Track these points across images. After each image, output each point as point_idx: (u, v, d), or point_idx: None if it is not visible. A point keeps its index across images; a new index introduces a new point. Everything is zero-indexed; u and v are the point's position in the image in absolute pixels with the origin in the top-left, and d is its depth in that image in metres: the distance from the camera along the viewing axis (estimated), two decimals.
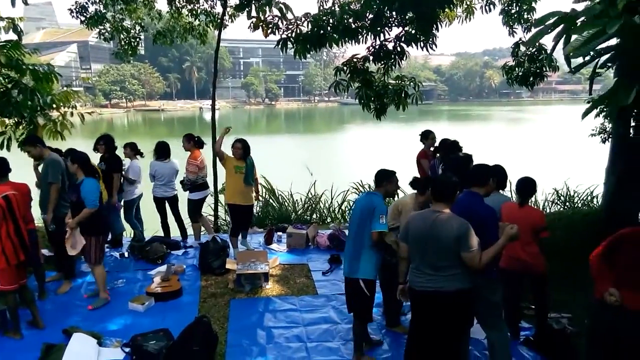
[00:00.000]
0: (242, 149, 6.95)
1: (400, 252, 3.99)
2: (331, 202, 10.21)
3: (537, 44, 7.39)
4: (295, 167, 15.83)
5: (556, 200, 10.36)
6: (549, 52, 7.03)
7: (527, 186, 4.75)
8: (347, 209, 10.20)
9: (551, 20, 2.35)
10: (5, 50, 7.07)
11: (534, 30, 7.62)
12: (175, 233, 8.12)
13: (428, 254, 3.63)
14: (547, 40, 7.13)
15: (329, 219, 9.95)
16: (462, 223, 3.52)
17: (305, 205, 10.00)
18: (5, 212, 4.58)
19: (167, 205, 7.80)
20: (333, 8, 6.54)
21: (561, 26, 2.36)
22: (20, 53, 7.18)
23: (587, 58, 2.69)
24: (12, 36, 8.22)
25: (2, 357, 4.52)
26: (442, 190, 3.71)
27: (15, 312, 4.82)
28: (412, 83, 6.90)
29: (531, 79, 7.61)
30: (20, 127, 7.38)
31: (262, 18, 6.61)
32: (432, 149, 7.52)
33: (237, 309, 5.56)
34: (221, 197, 9.33)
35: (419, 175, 6.74)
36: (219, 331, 4.84)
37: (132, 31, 10.36)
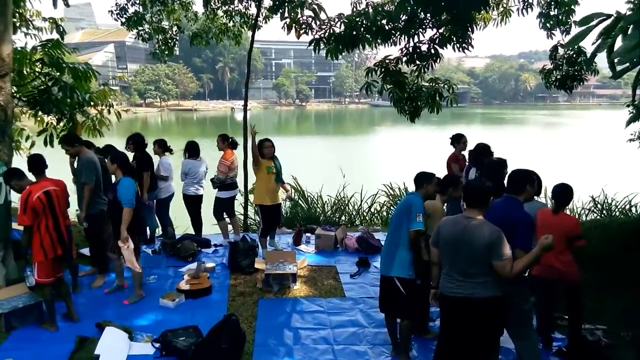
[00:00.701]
0: (273, 147, 7.04)
1: (432, 257, 3.95)
2: (360, 204, 10.17)
3: (576, 47, 7.21)
4: (324, 168, 15.84)
5: (593, 208, 10.07)
6: (588, 55, 6.85)
7: (563, 193, 4.63)
8: (376, 211, 10.14)
9: (594, 22, 2.29)
10: (46, 49, 7.31)
11: (573, 32, 7.46)
12: (206, 231, 8.22)
13: (458, 259, 3.59)
14: (586, 43, 6.98)
15: (357, 221, 9.91)
16: (494, 230, 3.45)
17: (334, 207, 10.00)
18: (46, 207, 4.73)
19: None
20: (366, 9, 6.52)
21: (603, 25, 2.29)
22: (61, 52, 7.41)
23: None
24: (53, 35, 8.51)
25: (38, 348, 4.64)
26: (474, 196, 3.65)
27: (51, 304, 4.96)
28: (446, 86, 6.82)
29: (569, 82, 7.42)
30: (61, 124, 7.60)
31: (296, 19, 6.64)
32: (463, 152, 7.42)
33: (265, 309, 5.59)
34: (250, 197, 9.43)
35: None
36: (246, 330, 4.86)
37: (169, 32, 10.56)
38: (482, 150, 6.43)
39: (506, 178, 4.25)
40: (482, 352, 3.66)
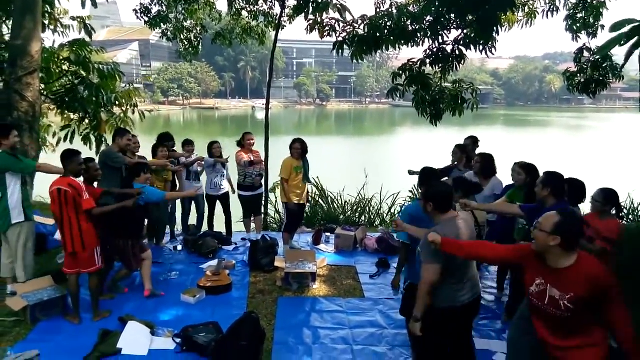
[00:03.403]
0: (302, 149, 7.13)
1: (433, 277, 3.40)
2: (380, 205, 10.14)
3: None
4: (345, 168, 15.83)
5: (619, 213, 9.86)
6: (618, 62, 6.74)
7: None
8: (397, 212, 10.10)
9: (626, 28, 2.26)
10: (74, 48, 7.47)
11: (600, 36, 7.33)
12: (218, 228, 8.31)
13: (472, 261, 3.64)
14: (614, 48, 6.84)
15: (377, 222, 9.89)
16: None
17: (355, 207, 9.98)
18: (56, 202, 4.79)
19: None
20: (390, 10, 6.50)
21: (636, 38, 2.26)
22: (88, 51, 7.56)
23: None
24: (81, 34, 8.68)
25: (61, 340, 4.75)
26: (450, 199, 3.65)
27: (76, 296, 5.06)
28: (470, 89, 6.76)
29: (593, 87, 7.28)
30: (85, 122, 7.76)
31: (319, 20, 6.66)
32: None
33: (285, 307, 5.62)
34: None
35: None
36: (266, 328, 4.89)
37: (193, 31, 10.68)
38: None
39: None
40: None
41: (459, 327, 3.71)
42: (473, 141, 7.29)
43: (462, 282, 3.53)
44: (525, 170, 5.21)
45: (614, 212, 4.59)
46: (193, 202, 7.91)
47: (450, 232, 3.44)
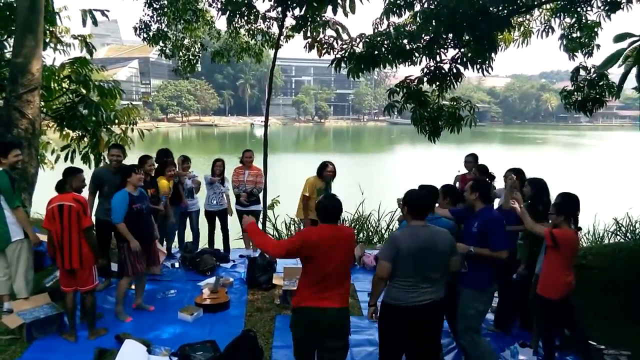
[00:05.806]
0: (334, 172, 7.35)
1: (381, 273, 3.82)
2: (378, 222, 10.13)
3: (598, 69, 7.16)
4: (342, 185, 15.81)
5: (616, 231, 9.89)
6: (614, 80, 6.78)
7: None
8: (395, 229, 10.09)
9: (627, 42, 2.33)
10: (75, 66, 7.53)
11: (596, 55, 7.38)
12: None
13: (423, 268, 3.72)
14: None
15: (375, 239, 9.87)
16: (448, 233, 3.90)
17: (353, 224, 9.97)
18: (57, 220, 4.78)
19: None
20: (388, 29, 6.58)
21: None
22: (89, 69, 7.62)
23: None
24: (82, 52, 8.76)
25: (57, 359, 4.69)
26: (425, 207, 3.89)
27: (72, 314, 5.03)
28: (467, 106, 6.82)
29: (590, 105, 7.33)
30: (84, 141, 7.78)
31: (318, 38, 6.73)
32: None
33: (283, 325, 5.56)
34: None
35: None
36: (263, 346, 4.86)
37: (191, 49, 10.79)
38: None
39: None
40: (437, 351, 4.10)
41: (407, 329, 3.81)
42: (474, 158, 7.41)
43: (411, 284, 3.73)
44: (530, 184, 5.29)
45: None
46: (188, 219, 7.90)
47: (405, 236, 3.77)
